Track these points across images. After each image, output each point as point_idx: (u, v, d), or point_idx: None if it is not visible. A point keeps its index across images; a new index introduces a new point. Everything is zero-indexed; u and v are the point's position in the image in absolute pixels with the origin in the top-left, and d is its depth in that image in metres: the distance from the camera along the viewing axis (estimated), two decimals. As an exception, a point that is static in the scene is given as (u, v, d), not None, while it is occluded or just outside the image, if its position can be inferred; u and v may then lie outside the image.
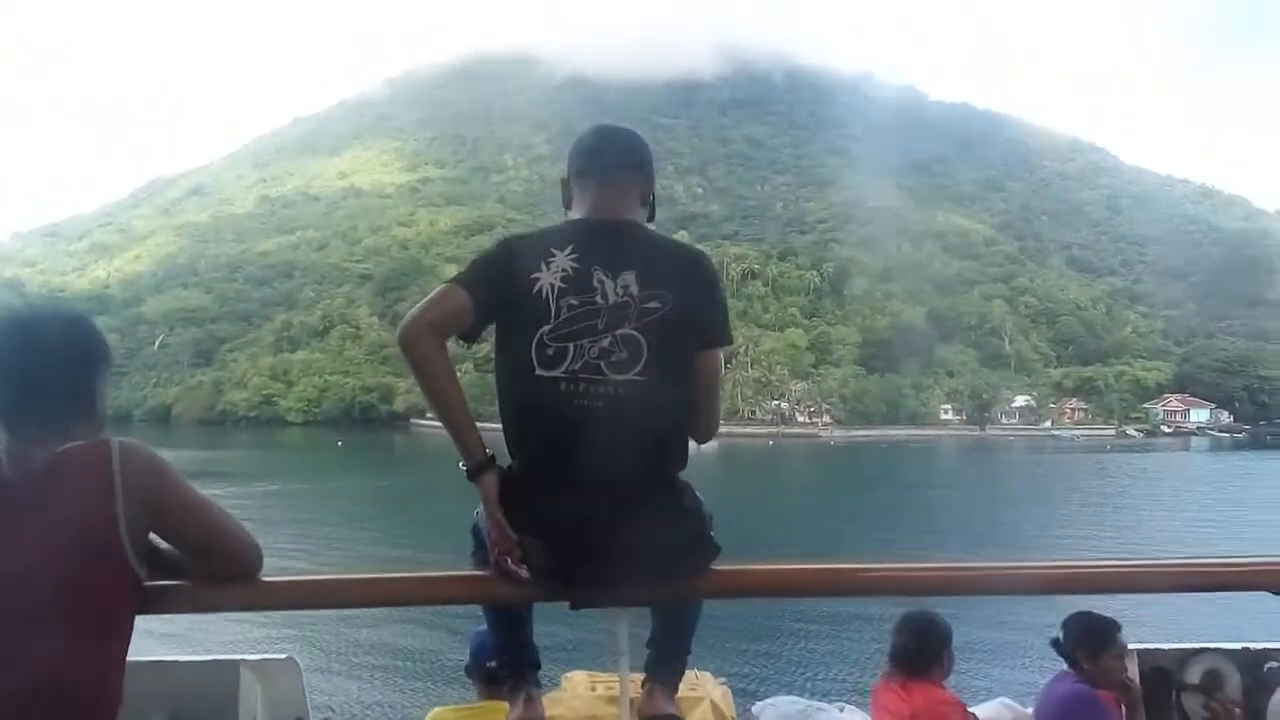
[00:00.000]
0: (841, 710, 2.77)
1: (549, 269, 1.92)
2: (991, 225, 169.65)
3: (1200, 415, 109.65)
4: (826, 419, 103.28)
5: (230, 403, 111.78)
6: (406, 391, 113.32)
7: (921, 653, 3.32)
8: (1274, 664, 3.08)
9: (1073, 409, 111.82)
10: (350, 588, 2.17)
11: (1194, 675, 3.15)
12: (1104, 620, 3.24)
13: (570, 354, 1.88)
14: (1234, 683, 3.11)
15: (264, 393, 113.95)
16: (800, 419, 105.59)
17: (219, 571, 1.82)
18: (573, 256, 1.93)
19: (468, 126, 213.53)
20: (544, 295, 1.90)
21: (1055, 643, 3.34)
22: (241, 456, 63.11)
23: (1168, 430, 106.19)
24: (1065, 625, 3.30)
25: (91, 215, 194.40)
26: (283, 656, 4.34)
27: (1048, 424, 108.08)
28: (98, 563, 1.60)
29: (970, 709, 3.37)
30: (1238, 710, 3.04)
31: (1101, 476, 61.39)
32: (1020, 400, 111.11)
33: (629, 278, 1.92)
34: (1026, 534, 31.87)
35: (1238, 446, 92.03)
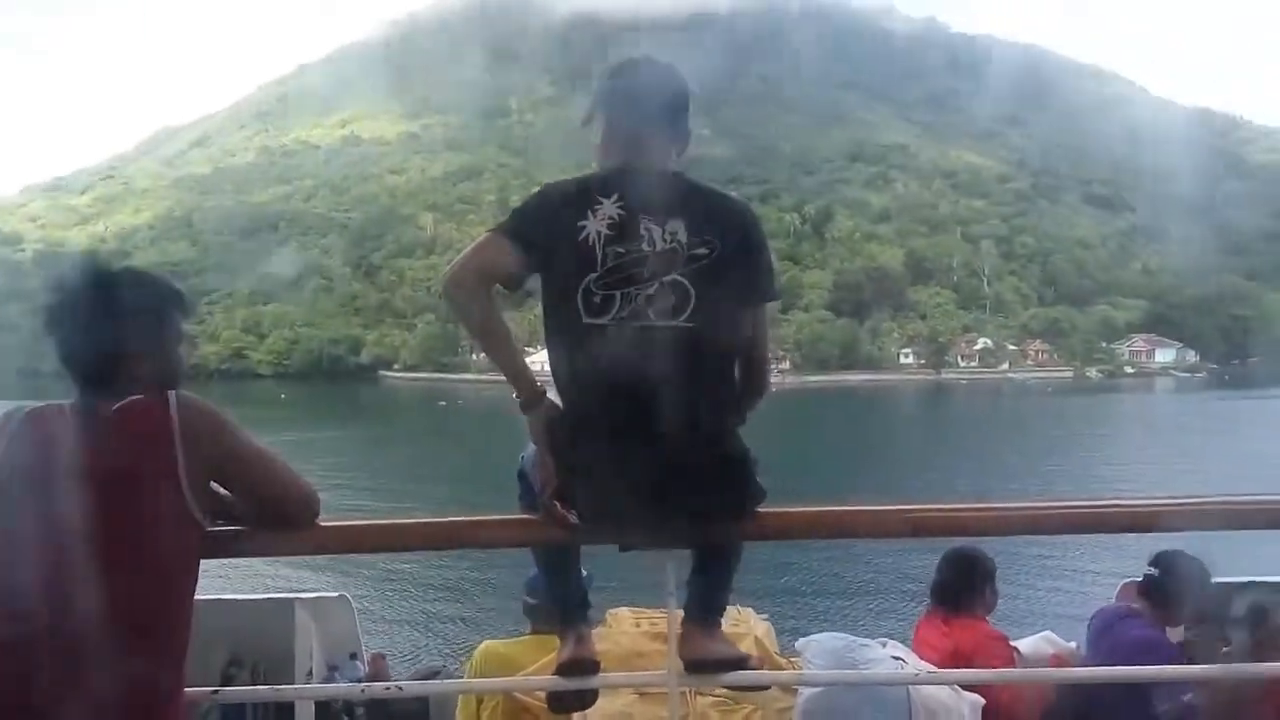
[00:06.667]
0: (884, 645, 2.82)
1: (595, 217, 1.89)
2: (1007, 161, 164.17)
3: (1166, 355, 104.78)
4: (785, 365, 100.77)
5: (201, 356, 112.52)
6: (374, 344, 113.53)
7: (964, 588, 3.36)
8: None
9: (1036, 350, 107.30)
10: (405, 531, 2.21)
11: (1239, 608, 3.14)
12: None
13: (617, 301, 1.88)
14: None
15: (234, 346, 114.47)
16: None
17: (278, 518, 1.89)
18: (619, 204, 1.90)
19: (470, 71, 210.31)
20: (591, 243, 1.88)
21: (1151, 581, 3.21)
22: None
23: (1131, 371, 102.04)
24: (1156, 563, 3.20)
25: (96, 168, 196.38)
26: (335, 594, 4.90)
27: (1004, 366, 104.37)
28: (162, 510, 1.69)
29: (1012, 643, 3.41)
30: None
31: (1033, 419, 59.13)
32: (981, 343, 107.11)
33: (677, 225, 1.90)
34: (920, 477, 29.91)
35: (1207, 386, 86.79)
